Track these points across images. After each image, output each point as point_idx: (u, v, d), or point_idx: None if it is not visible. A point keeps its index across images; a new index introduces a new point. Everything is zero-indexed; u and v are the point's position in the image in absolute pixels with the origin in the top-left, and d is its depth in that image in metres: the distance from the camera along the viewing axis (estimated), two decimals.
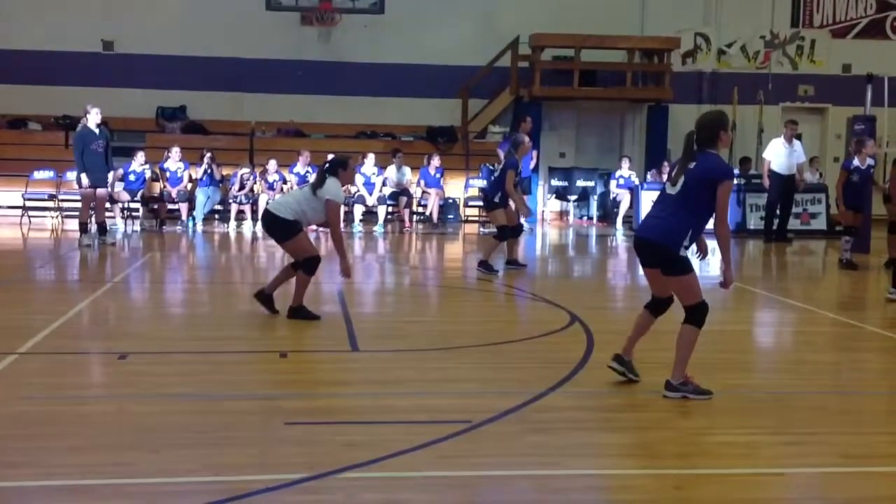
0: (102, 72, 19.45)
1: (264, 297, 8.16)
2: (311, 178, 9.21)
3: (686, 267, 5.65)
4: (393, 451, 4.57)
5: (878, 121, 14.72)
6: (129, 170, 16.43)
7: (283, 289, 8.18)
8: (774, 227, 15.96)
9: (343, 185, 8.21)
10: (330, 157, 8.68)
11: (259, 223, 16.64)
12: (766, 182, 15.82)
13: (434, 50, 20.09)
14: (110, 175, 14.03)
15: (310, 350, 7.05)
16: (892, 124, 17.37)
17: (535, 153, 17.09)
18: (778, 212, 15.95)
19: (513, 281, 10.63)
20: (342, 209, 8.63)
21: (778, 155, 15.69)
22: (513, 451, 4.72)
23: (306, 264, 8.01)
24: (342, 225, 8.39)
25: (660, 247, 5.65)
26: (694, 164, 5.62)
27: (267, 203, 10.03)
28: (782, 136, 15.86)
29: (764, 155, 16.23)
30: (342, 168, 8.10)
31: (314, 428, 5.03)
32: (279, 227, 8.01)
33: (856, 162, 12.35)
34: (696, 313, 5.64)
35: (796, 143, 15.84)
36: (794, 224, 17.17)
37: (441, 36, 20.10)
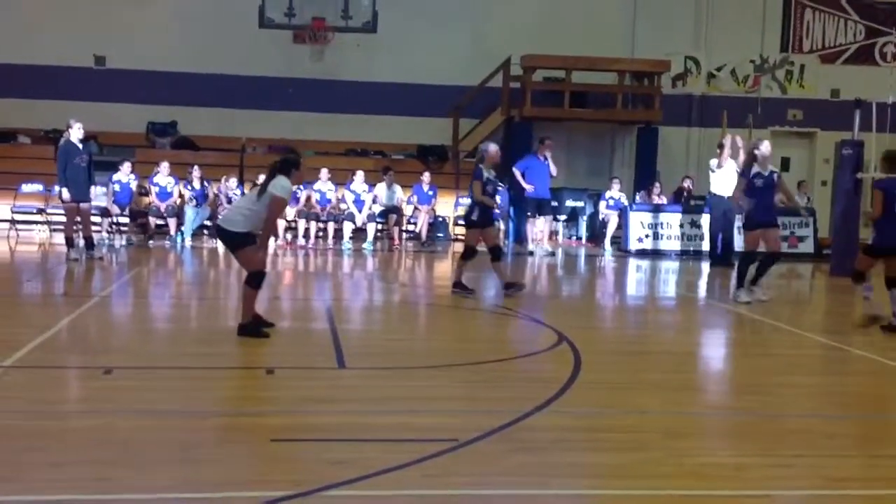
0: (94, 86, 19.47)
1: (247, 327, 7.80)
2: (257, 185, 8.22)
3: None
4: (378, 469, 4.54)
5: (866, 145, 14.77)
6: (115, 179, 16.38)
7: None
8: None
9: (294, 185, 7.89)
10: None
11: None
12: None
13: (426, 69, 20.18)
14: (92, 189, 13.96)
15: (296, 367, 7.01)
16: (880, 149, 17.44)
17: (555, 170, 16.95)
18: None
19: (501, 300, 10.62)
20: (286, 210, 8.08)
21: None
22: (499, 470, 4.70)
23: (253, 278, 7.78)
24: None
25: None
26: None
27: (217, 218, 9.24)
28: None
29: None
30: (295, 168, 7.81)
31: (300, 445, 5.00)
32: (230, 239, 7.83)
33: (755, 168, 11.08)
34: None
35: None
36: (782, 247, 17.20)
37: (433, 55, 20.21)
